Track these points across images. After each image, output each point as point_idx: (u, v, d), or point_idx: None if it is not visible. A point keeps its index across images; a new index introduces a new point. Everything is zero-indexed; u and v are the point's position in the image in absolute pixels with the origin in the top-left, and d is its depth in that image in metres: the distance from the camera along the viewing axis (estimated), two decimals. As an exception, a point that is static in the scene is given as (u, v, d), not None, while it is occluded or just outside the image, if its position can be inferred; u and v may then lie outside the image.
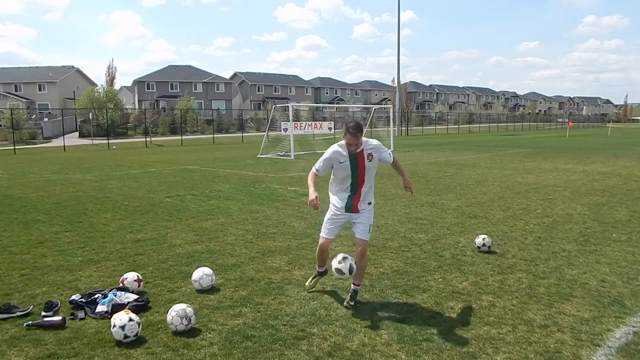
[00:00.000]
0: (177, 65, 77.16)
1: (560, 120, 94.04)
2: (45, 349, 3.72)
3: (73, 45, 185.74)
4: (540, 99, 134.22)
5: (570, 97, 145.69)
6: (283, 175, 15.10)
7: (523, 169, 16.05)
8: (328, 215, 4.64)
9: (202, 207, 9.44)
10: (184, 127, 47.96)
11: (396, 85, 57.62)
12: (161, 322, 4.14)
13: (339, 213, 4.57)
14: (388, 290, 4.93)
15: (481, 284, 5.06)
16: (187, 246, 6.63)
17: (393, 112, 32.62)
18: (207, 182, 13.41)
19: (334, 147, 4.47)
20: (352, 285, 4.62)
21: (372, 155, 4.44)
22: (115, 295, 4.56)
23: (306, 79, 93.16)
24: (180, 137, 40.57)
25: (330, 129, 31.39)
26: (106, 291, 4.69)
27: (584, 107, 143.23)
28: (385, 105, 53.98)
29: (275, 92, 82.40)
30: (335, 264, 4.43)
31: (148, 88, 70.57)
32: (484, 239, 6.25)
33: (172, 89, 71.16)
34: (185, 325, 3.93)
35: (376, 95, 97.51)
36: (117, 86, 70.90)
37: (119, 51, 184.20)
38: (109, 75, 68.08)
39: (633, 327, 4.03)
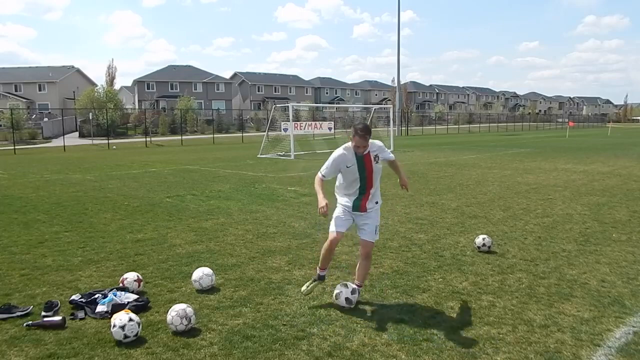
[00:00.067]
0: (177, 65, 77.17)
1: (560, 120, 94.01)
2: (45, 349, 3.72)
3: (73, 45, 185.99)
4: (540, 99, 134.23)
5: (570, 97, 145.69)
6: (283, 175, 15.10)
7: (523, 169, 16.05)
8: (336, 212, 4.54)
9: (202, 207, 9.44)
10: (184, 127, 47.96)
11: (396, 85, 57.60)
12: (161, 322, 4.14)
13: (348, 211, 4.50)
14: (388, 290, 4.93)
15: (481, 284, 5.06)
16: (187, 246, 6.63)
17: (393, 112, 32.62)
18: (207, 182, 13.41)
19: (340, 151, 4.38)
20: (354, 285, 4.60)
21: (378, 157, 4.41)
22: (115, 295, 4.56)
23: (306, 79, 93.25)
24: (180, 137, 40.57)
25: (330, 129, 31.42)
26: (106, 291, 4.69)
27: (584, 107, 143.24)
28: (385, 105, 53.98)
29: (275, 92, 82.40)
30: (347, 293, 4.39)
31: (148, 88, 70.57)
32: (484, 239, 6.25)
33: (172, 89, 71.16)
34: (185, 325, 3.93)
35: (376, 95, 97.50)
36: (117, 86, 71.07)
37: (119, 51, 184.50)
38: (109, 75, 68.21)
39: (633, 327, 4.03)
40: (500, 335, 3.89)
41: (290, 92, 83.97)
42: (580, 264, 5.69)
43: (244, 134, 44.57)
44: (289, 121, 24.67)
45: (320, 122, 33.26)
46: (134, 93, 74.95)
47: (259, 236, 7.15)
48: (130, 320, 3.80)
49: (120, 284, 4.90)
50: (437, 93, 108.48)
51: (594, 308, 4.41)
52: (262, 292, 4.89)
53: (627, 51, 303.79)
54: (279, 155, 22.90)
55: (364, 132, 4.23)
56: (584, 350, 3.65)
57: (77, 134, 47.72)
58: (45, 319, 4.16)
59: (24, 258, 6.13)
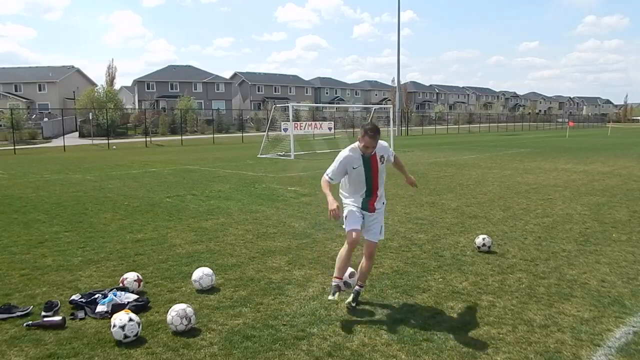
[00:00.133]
0: (177, 65, 77.17)
1: (560, 120, 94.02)
2: (45, 349, 3.72)
3: (73, 45, 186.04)
4: (540, 99, 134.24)
5: (570, 97, 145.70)
6: (283, 175, 15.10)
7: (523, 169, 16.05)
8: (348, 209, 4.41)
9: (202, 207, 9.44)
10: (184, 127, 47.97)
11: (396, 85, 57.63)
12: (161, 322, 4.14)
13: (359, 209, 4.41)
14: (388, 290, 4.93)
15: (481, 284, 5.06)
16: (187, 246, 6.63)
17: (393, 112, 32.62)
18: (207, 182, 13.41)
19: (346, 152, 4.33)
20: (355, 285, 4.59)
21: (383, 157, 4.40)
22: (115, 295, 4.56)
23: (306, 79, 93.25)
24: (180, 137, 40.58)
25: (330, 129, 31.41)
26: (106, 291, 4.69)
27: (584, 107, 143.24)
28: (385, 105, 53.96)
29: (275, 92, 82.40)
30: (346, 277, 4.40)
31: (148, 88, 70.57)
32: (484, 239, 6.25)
33: (172, 89, 71.17)
34: (185, 325, 3.93)
35: (376, 95, 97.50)
36: (117, 86, 71.10)
37: (119, 51, 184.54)
38: (109, 75, 68.24)
39: (633, 327, 4.03)
40: (500, 335, 3.89)
41: (290, 92, 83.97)
42: (580, 264, 5.69)
43: (244, 134, 44.58)
44: (289, 121, 24.68)
45: (320, 122, 33.25)
46: (134, 93, 74.96)
47: (259, 236, 7.15)
48: (130, 320, 3.80)
49: (120, 284, 4.90)
50: (437, 93, 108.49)
51: (594, 308, 4.41)
52: (262, 292, 4.89)
53: (627, 51, 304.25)
54: (279, 155, 22.90)
55: (374, 133, 4.19)
56: (584, 350, 3.65)
57: (77, 134, 47.73)
58: (45, 319, 4.16)
59: (24, 258, 6.13)
